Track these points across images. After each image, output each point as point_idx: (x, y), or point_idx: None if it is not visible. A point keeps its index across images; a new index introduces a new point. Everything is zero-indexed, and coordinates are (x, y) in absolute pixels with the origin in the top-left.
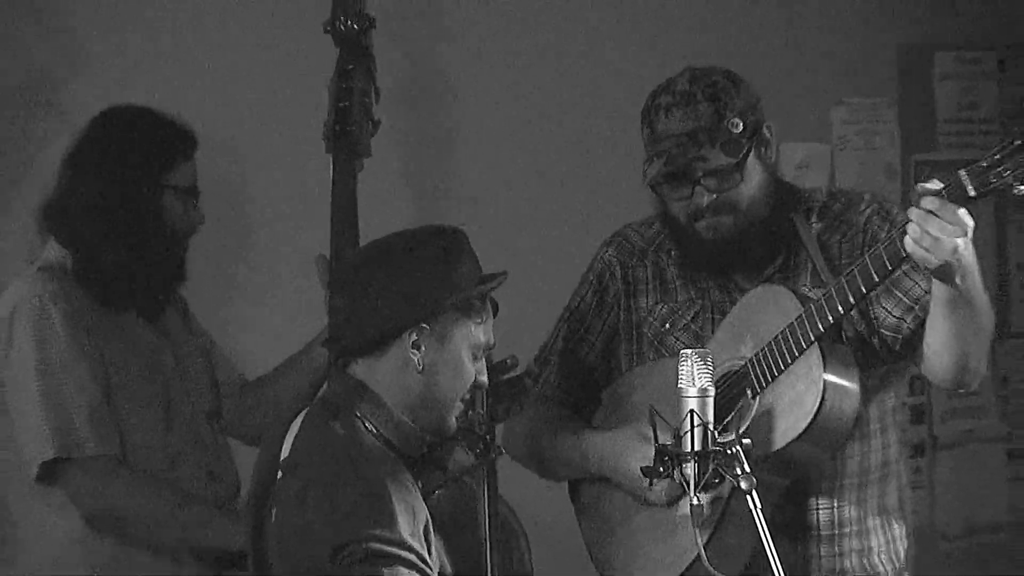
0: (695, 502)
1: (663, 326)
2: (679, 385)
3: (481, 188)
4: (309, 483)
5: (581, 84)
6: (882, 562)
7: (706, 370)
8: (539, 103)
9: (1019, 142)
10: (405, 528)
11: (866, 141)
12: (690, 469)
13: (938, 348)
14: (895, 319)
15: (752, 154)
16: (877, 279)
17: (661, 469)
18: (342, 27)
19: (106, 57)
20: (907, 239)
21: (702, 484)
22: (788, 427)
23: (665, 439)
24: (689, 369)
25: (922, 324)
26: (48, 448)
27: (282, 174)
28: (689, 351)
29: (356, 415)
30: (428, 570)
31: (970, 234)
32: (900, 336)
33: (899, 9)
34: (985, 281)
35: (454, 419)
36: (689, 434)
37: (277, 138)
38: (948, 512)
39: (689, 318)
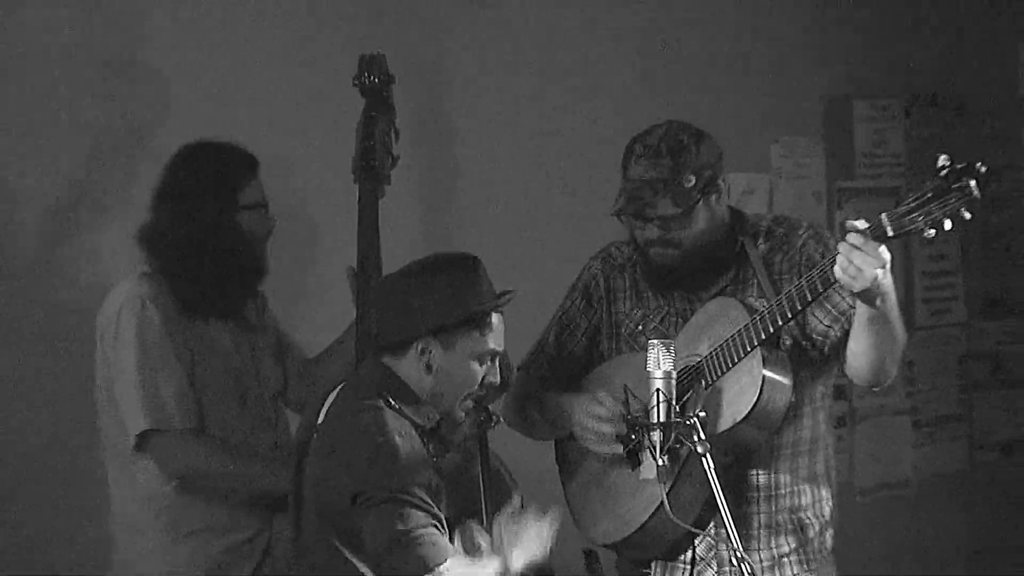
0: (660, 463)
1: (637, 327)
2: (647, 368)
3: (481, 211)
4: (336, 443)
5: (564, 125)
6: (809, 517)
7: (670, 357)
8: (530, 142)
9: (930, 194)
10: (411, 479)
11: (798, 171)
12: (656, 436)
13: (858, 354)
14: (824, 327)
15: (702, 202)
16: (810, 298)
17: (632, 436)
18: (367, 82)
19: (189, 105)
20: (836, 267)
21: (666, 448)
22: (733, 412)
23: (636, 412)
24: (656, 356)
25: (847, 333)
26: (143, 421)
27: (320, 199)
28: (656, 340)
29: (382, 393)
30: (431, 508)
31: (887, 266)
32: (828, 341)
33: (825, 66)
34: (896, 286)
35: (461, 412)
36: (656, 408)
37: (316, 170)
38: (864, 471)
39: (658, 321)
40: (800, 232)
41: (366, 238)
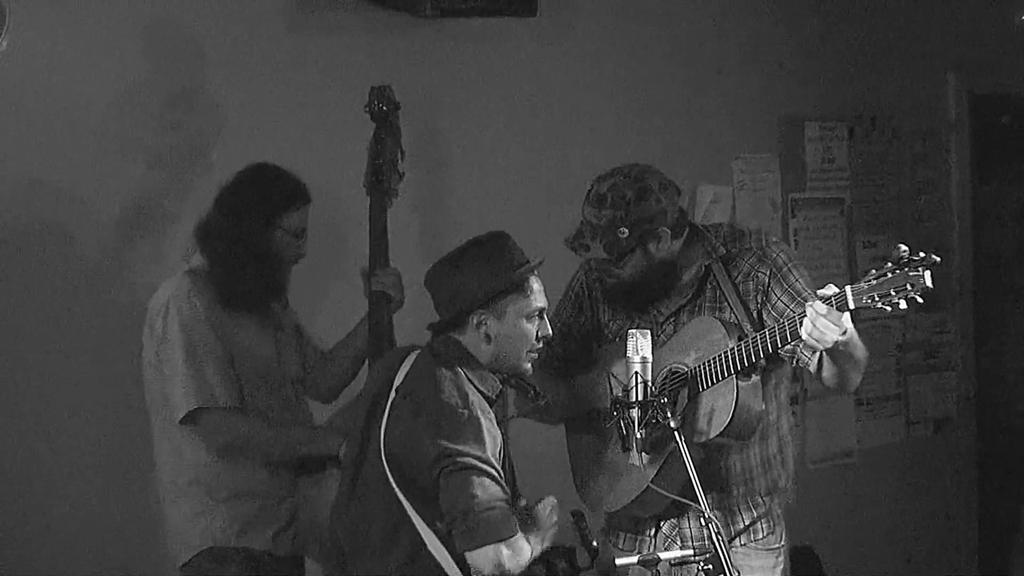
0: (638, 435)
1: (614, 340)
2: (627, 355)
3: (474, 218)
4: (422, 405)
5: (549, 145)
6: (761, 496)
7: (646, 344)
8: (517, 160)
9: (890, 276)
10: (490, 451)
11: (757, 184)
12: (635, 413)
13: (827, 377)
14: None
15: (638, 249)
16: (780, 345)
17: (615, 413)
18: (376, 109)
19: (239, 125)
20: (802, 329)
21: (644, 422)
22: (712, 427)
23: (617, 393)
24: (635, 344)
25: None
26: (192, 400)
27: (336, 209)
28: (635, 331)
29: (457, 362)
30: (503, 483)
31: (849, 331)
32: (810, 364)
33: (780, 92)
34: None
35: (527, 364)
36: (635, 389)
37: (333, 184)
38: (814, 443)
39: None
40: (747, 258)
41: (376, 242)
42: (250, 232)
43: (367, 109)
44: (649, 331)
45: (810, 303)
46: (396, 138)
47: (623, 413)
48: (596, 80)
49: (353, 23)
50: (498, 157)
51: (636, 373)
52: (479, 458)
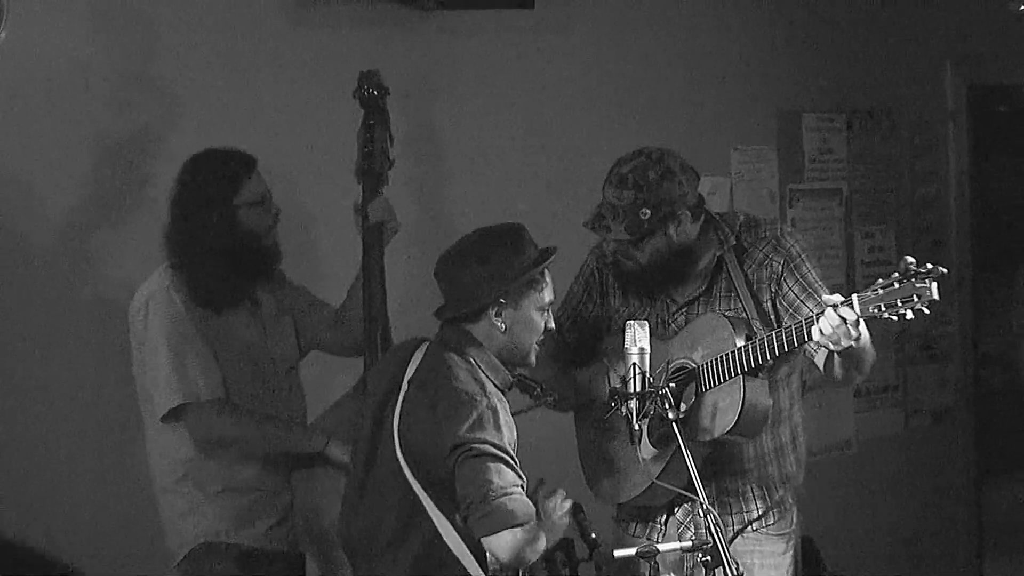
0: (636, 427)
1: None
2: (625, 346)
3: (465, 204)
4: (439, 395)
5: (542, 130)
6: (776, 483)
7: (644, 335)
8: (507, 144)
9: (896, 286)
10: (507, 439)
11: (755, 175)
12: (633, 404)
13: (835, 374)
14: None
15: (659, 231)
16: (786, 349)
17: (613, 404)
18: (366, 94)
19: (196, 113)
20: (815, 331)
21: (642, 414)
22: (719, 426)
23: (616, 383)
24: (632, 334)
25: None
26: (176, 397)
27: (326, 197)
28: (632, 321)
29: (467, 354)
30: (519, 470)
31: (864, 338)
32: (816, 358)
33: (778, 84)
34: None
35: (534, 356)
36: (632, 380)
37: (322, 171)
38: (813, 434)
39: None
40: (761, 247)
41: (368, 229)
42: (211, 226)
43: (356, 94)
44: (647, 322)
45: (835, 307)
46: (386, 123)
47: (621, 404)
48: (593, 72)
49: (351, 14)
50: (496, 149)
51: (634, 364)
52: (496, 445)
